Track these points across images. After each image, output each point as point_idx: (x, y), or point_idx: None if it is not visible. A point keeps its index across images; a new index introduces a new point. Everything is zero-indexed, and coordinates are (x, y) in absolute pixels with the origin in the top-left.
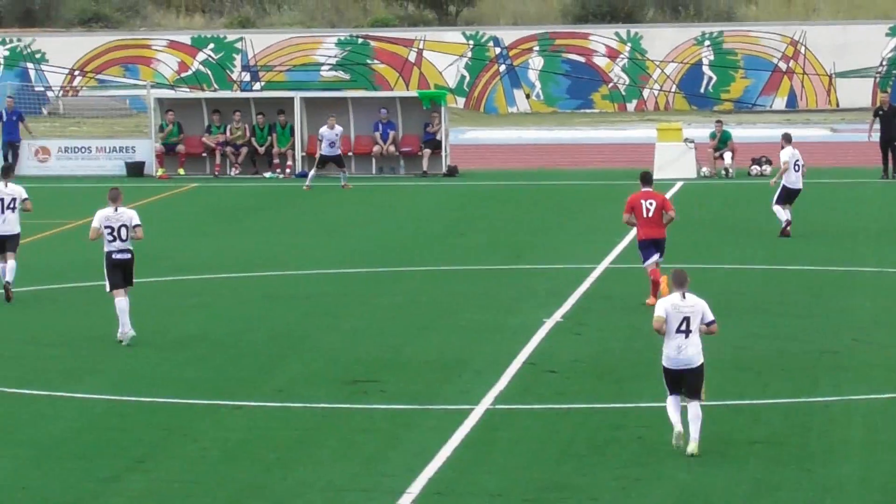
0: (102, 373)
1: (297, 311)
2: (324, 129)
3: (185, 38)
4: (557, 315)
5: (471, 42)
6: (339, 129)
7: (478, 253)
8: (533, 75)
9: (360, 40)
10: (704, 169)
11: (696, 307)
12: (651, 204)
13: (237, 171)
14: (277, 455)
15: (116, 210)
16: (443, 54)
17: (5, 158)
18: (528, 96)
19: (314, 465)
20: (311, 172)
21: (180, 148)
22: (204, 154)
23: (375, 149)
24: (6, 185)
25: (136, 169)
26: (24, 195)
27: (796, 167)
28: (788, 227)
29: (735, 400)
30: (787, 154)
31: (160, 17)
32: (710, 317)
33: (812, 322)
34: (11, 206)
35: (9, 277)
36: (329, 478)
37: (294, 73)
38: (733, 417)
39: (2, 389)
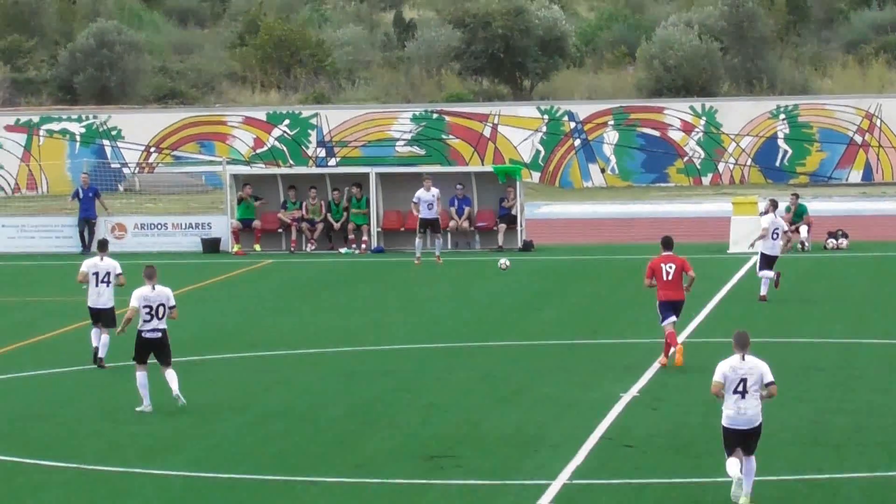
0: (180, 450)
1: (374, 387)
2: (420, 192)
3: (261, 114)
4: (634, 389)
5: (546, 116)
6: (435, 190)
7: (554, 328)
8: (608, 149)
9: (435, 115)
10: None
11: (755, 368)
12: (671, 267)
13: (313, 247)
14: None
15: (154, 289)
16: (518, 129)
17: (81, 235)
18: (603, 170)
19: None
20: (417, 242)
21: (256, 224)
22: (280, 230)
23: (451, 224)
24: (101, 259)
25: (211, 245)
26: (119, 270)
27: (774, 235)
28: (769, 288)
29: (813, 474)
30: (768, 221)
31: (235, 94)
32: (769, 378)
33: (890, 397)
34: (106, 280)
35: (101, 353)
36: None
37: (369, 148)
38: (811, 492)
39: (81, 467)
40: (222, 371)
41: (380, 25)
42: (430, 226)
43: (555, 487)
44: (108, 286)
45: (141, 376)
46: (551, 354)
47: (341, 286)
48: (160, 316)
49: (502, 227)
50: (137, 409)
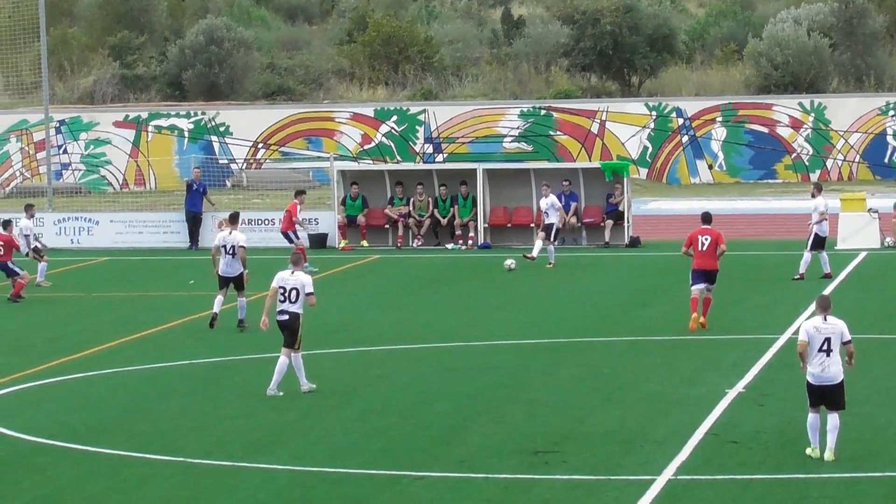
0: (285, 444)
1: (478, 383)
2: (542, 200)
3: (369, 111)
4: (740, 385)
5: (653, 113)
6: (552, 198)
7: (659, 324)
8: (716, 146)
9: (543, 112)
10: (889, 239)
11: (836, 328)
12: (706, 239)
13: (420, 243)
14: None
15: (293, 273)
16: (625, 125)
17: (190, 231)
18: (710, 167)
19: None
20: (551, 248)
21: (361, 220)
22: (387, 226)
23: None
24: (230, 233)
25: (319, 241)
26: (243, 242)
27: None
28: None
29: None
30: (824, 204)
31: (343, 90)
32: (847, 336)
33: None
34: (233, 251)
35: (241, 315)
36: None
37: (477, 144)
38: None
39: (187, 460)
40: (327, 366)
41: (488, 22)
42: (544, 230)
43: (659, 483)
44: (234, 256)
45: (281, 361)
46: (656, 350)
47: (447, 282)
48: (293, 300)
49: (609, 223)
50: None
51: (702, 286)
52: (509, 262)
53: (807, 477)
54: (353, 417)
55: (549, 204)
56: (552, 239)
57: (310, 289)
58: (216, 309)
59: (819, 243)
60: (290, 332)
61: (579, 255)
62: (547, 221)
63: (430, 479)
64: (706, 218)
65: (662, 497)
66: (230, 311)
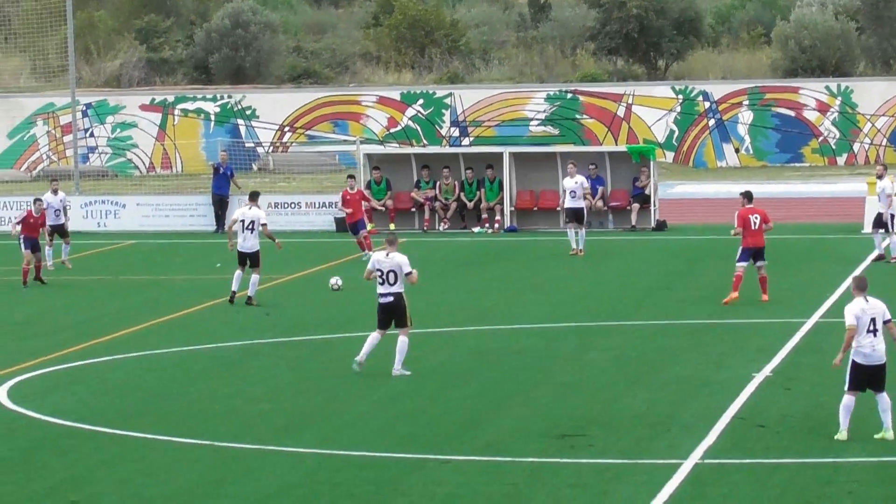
0: (313, 427)
1: (506, 366)
2: (565, 180)
3: (395, 94)
4: (767, 370)
5: (680, 96)
6: (579, 178)
7: (686, 307)
8: (742, 129)
9: (570, 95)
10: None
11: (879, 307)
12: (756, 217)
13: (446, 226)
14: None
15: (388, 255)
16: (652, 109)
17: (216, 214)
18: (737, 150)
19: None
20: (568, 233)
21: (389, 203)
22: (413, 209)
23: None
24: (249, 209)
25: (345, 224)
26: (264, 220)
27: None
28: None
29: None
30: (889, 185)
31: (369, 73)
32: (888, 315)
33: None
34: (251, 227)
35: (251, 292)
36: None
37: (503, 128)
38: None
39: (214, 444)
40: (354, 349)
41: (514, 5)
42: (573, 216)
43: (686, 467)
44: (252, 232)
45: (374, 335)
46: (683, 334)
47: (474, 265)
48: (392, 281)
49: (636, 206)
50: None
51: (746, 264)
52: (335, 282)
53: (834, 461)
54: (381, 401)
55: (577, 183)
56: (583, 222)
57: (408, 268)
58: (234, 286)
59: (883, 223)
60: (397, 314)
61: (606, 239)
62: (573, 204)
63: (457, 462)
64: (750, 196)
65: (689, 481)
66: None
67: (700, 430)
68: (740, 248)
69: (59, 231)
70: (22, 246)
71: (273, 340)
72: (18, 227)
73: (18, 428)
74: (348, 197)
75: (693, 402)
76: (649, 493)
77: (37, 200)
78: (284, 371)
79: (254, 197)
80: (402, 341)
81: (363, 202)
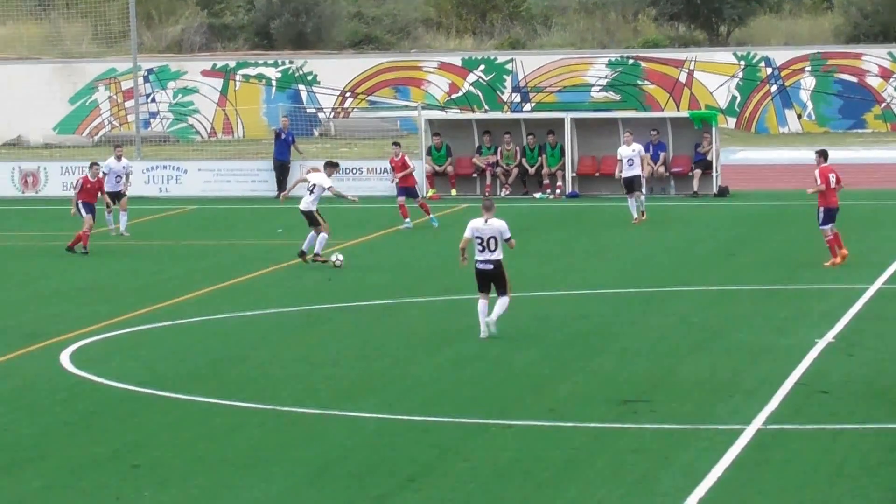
0: (375, 392)
1: (568, 331)
2: (621, 148)
3: (456, 60)
4: (830, 335)
5: (742, 62)
6: (636, 146)
7: (749, 273)
8: (805, 95)
9: (631, 61)
10: None
11: None
12: (833, 176)
13: (507, 192)
14: (548, 474)
15: (487, 222)
16: (714, 74)
17: (277, 179)
18: (799, 116)
19: (585, 484)
20: (629, 203)
21: (449, 169)
22: (474, 175)
23: (646, 169)
24: (316, 174)
25: (406, 190)
26: (329, 184)
27: None
28: None
29: None
30: None
31: (430, 39)
32: None
33: None
34: (311, 189)
35: (317, 249)
36: (599, 498)
37: (564, 94)
38: None
39: (277, 408)
40: (416, 314)
41: None
42: (628, 185)
43: (749, 432)
44: (310, 194)
45: (480, 304)
46: (746, 300)
47: (535, 231)
48: (492, 248)
49: (697, 172)
50: (481, 335)
51: (833, 224)
52: (337, 258)
53: None
54: (443, 365)
55: (634, 151)
56: (641, 190)
57: (508, 233)
58: (304, 245)
59: None
60: (497, 280)
61: (668, 205)
62: (630, 173)
63: (519, 427)
64: (826, 154)
65: (752, 446)
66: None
67: (762, 395)
68: (821, 209)
69: (116, 197)
70: (82, 211)
71: (335, 306)
72: (76, 198)
73: (81, 392)
74: (393, 164)
75: (755, 367)
76: (711, 458)
77: (93, 165)
78: (346, 336)
79: (329, 166)
80: (504, 301)
81: (405, 168)
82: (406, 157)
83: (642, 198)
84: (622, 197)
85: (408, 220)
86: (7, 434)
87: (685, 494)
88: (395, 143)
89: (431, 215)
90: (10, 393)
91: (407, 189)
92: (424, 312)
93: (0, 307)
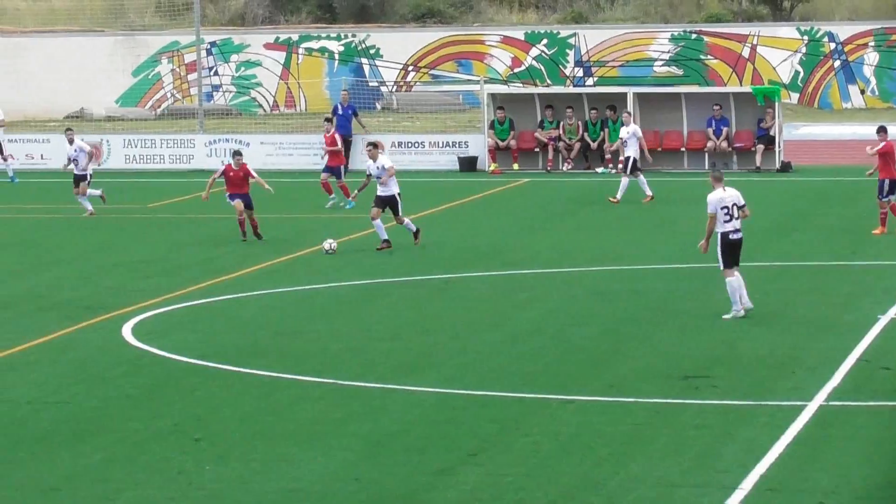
0: (435, 366)
1: (628, 306)
2: (623, 129)
3: (519, 34)
4: (892, 312)
5: (805, 37)
6: (633, 126)
7: (811, 249)
8: (868, 71)
9: (694, 36)
10: None
11: None
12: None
13: (569, 167)
14: (609, 450)
15: (724, 190)
16: (777, 49)
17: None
18: (862, 92)
19: (646, 460)
20: (642, 178)
21: (512, 143)
22: (536, 149)
23: (709, 144)
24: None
25: (468, 164)
26: (389, 164)
27: None
28: None
29: None
30: None
31: (493, 13)
32: None
33: None
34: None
35: (412, 227)
36: (661, 473)
37: (627, 68)
38: None
39: (337, 382)
40: (477, 289)
41: None
42: (624, 166)
43: (810, 409)
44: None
45: (733, 280)
46: (808, 276)
47: (597, 206)
48: (736, 216)
49: (760, 147)
50: (725, 316)
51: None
52: (330, 244)
53: None
54: (503, 340)
55: (630, 133)
56: (629, 171)
57: (742, 201)
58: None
59: None
60: (740, 250)
61: (730, 180)
62: (626, 153)
63: (580, 402)
64: (886, 130)
65: (814, 422)
66: (375, 234)
67: (824, 371)
68: (886, 181)
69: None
70: (229, 200)
71: (395, 280)
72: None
73: (143, 365)
74: (326, 138)
75: (817, 343)
76: (773, 434)
77: (236, 154)
78: (406, 310)
79: (374, 145)
80: (737, 280)
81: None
82: (336, 135)
83: (642, 178)
84: (684, 171)
85: (333, 196)
86: (69, 407)
87: (746, 470)
88: (328, 119)
89: (349, 197)
90: (72, 366)
91: (332, 169)
92: (486, 286)
93: (62, 280)
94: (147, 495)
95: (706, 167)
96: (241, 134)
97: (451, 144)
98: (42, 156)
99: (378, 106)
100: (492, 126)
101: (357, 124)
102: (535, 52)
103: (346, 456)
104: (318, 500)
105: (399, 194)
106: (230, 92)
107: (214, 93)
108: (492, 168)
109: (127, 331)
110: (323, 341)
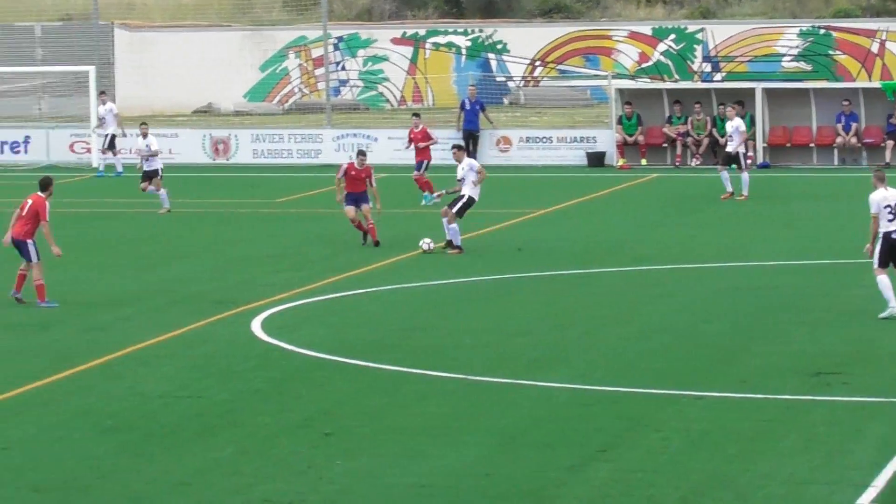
0: (566, 362)
1: (759, 302)
2: (728, 123)
3: (646, 29)
4: None
5: None
6: (737, 120)
7: None
8: None
9: (823, 31)
10: None
11: None
12: None
13: (698, 162)
14: (739, 446)
15: (887, 189)
16: None
17: (466, 148)
18: None
19: (776, 457)
20: (745, 176)
21: (640, 138)
22: (664, 144)
23: (838, 140)
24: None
25: (596, 159)
26: (475, 168)
27: None
28: None
29: None
30: None
31: (620, 8)
32: None
33: None
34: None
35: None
36: (791, 470)
37: (755, 63)
38: None
39: (467, 377)
40: (607, 284)
41: None
42: (726, 158)
43: None
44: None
45: (883, 278)
46: None
47: (727, 202)
48: None
49: (890, 143)
50: (881, 315)
51: None
52: (426, 243)
53: None
54: (633, 336)
55: (734, 127)
56: (743, 167)
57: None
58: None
59: None
60: None
61: (860, 176)
62: (729, 147)
63: (710, 398)
64: None
65: None
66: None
67: None
68: None
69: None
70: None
71: (526, 275)
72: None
73: (272, 359)
74: (411, 136)
75: None
76: None
77: (360, 154)
78: (538, 306)
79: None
80: (885, 280)
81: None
82: (427, 130)
83: (745, 175)
84: (814, 167)
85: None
86: (200, 400)
87: (878, 468)
88: (415, 115)
89: (431, 193)
90: (203, 360)
91: (418, 163)
92: (615, 281)
93: (191, 274)
94: (277, 489)
95: (835, 163)
96: (368, 129)
97: (578, 139)
98: (171, 150)
99: (505, 101)
100: (619, 121)
101: (485, 119)
102: (662, 47)
103: (475, 451)
104: (447, 496)
105: (472, 199)
106: (357, 87)
107: (342, 88)
108: (620, 163)
109: (257, 325)
110: (453, 336)
